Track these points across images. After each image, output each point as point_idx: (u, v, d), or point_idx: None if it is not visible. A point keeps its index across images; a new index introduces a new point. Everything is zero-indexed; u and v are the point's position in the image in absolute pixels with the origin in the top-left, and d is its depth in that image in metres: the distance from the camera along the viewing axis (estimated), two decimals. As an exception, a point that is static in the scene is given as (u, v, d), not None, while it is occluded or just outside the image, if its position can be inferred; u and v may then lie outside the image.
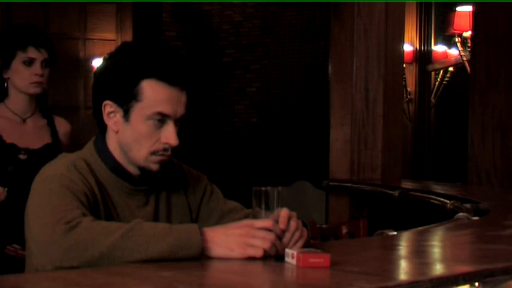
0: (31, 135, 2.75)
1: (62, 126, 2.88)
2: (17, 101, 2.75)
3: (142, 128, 1.72)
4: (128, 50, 1.77)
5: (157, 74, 1.70)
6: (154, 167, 1.74)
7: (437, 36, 6.07)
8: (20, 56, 2.70)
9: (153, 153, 1.73)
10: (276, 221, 1.59)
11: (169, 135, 1.72)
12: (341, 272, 1.49)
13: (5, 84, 2.74)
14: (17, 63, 2.71)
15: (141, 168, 1.76)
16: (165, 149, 1.74)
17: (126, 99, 1.71)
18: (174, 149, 1.76)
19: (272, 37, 9.38)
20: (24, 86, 2.71)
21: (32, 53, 2.71)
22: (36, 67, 2.71)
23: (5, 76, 2.73)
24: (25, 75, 2.71)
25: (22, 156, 2.67)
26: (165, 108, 1.71)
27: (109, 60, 1.76)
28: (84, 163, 1.74)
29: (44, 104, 2.87)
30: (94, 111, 1.79)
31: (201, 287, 1.40)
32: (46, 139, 2.77)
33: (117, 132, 1.75)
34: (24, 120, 2.76)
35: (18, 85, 2.72)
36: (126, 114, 1.72)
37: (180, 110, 1.74)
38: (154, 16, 7.57)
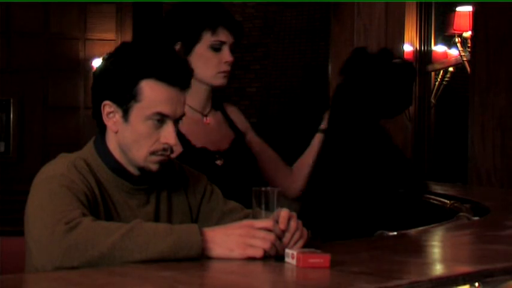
0: (216, 133, 2.31)
1: (234, 113, 2.43)
2: (197, 94, 2.25)
3: (141, 128, 1.72)
4: (127, 50, 1.77)
5: (156, 74, 1.70)
6: (154, 167, 1.74)
7: (437, 37, 6.07)
8: (207, 39, 2.22)
9: (153, 153, 1.73)
10: (276, 221, 1.59)
11: (168, 135, 1.72)
12: (341, 272, 1.49)
13: None
14: (202, 48, 2.22)
15: (141, 169, 1.76)
16: (164, 149, 1.74)
17: (126, 100, 1.71)
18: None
19: (272, 37, 9.38)
20: (211, 76, 2.24)
21: (222, 35, 2.22)
22: (226, 53, 2.23)
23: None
24: (213, 62, 2.23)
25: (219, 162, 2.24)
26: (165, 108, 1.71)
27: (108, 61, 1.76)
28: (84, 163, 1.74)
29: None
30: (93, 112, 1.79)
31: (201, 287, 1.40)
32: (230, 134, 2.34)
33: (116, 132, 1.75)
34: (205, 116, 2.32)
35: (203, 75, 2.23)
36: (126, 115, 1.72)
37: (180, 110, 1.74)
38: (154, 16, 7.57)
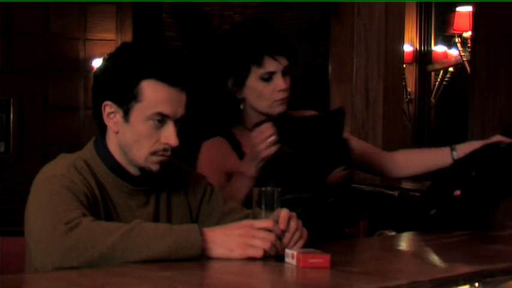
0: None
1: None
2: (255, 123, 2.19)
3: (142, 129, 1.72)
4: (128, 50, 1.77)
5: (157, 75, 1.70)
6: (155, 167, 1.74)
7: (437, 37, 6.07)
8: (256, 72, 2.16)
9: (153, 153, 1.73)
10: (276, 222, 1.60)
11: (169, 135, 1.72)
12: (341, 272, 1.49)
13: (240, 106, 2.23)
14: (253, 81, 2.17)
15: (141, 169, 1.76)
16: (165, 149, 1.74)
17: (126, 100, 1.71)
18: (175, 149, 1.76)
19: (272, 37, 9.38)
20: (267, 106, 2.19)
21: (269, 65, 2.15)
22: (277, 81, 2.16)
23: (240, 96, 2.21)
24: (266, 94, 2.17)
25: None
26: (165, 109, 1.71)
27: (109, 61, 1.76)
28: (84, 163, 1.74)
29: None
30: (94, 112, 1.79)
31: (201, 287, 1.40)
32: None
33: (117, 132, 1.75)
34: None
35: (259, 106, 2.19)
36: (126, 115, 1.72)
37: (180, 111, 1.74)
38: (154, 16, 7.57)
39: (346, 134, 2.33)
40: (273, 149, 2.04)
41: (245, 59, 2.17)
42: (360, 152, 2.39)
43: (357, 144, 2.39)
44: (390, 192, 3.88)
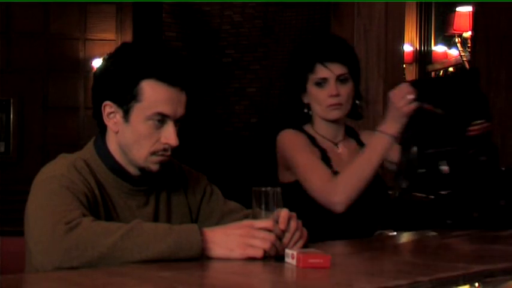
0: (347, 162, 2.36)
1: (370, 138, 2.41)
2: (322, 127, 2.40)
3: (142, 129, 1.72)
4: (128, 50, 1.77)
5: (157, 75, 1.70)
6: (154, 167, 1.74)
7: (437, 37, 6.07)
8: (311, 78, 2.34)
9: (153, 153, 1.73)
10: (276, 222, 1.60)
11: (169, 135, 1.72)
12: (341, 272, 1.49)
13: (305, 110, 2.40)
14: (310, 86, 2.35)
15: (141, 169, 1.76)
16: (165, 149, 1.74)
17: (126, 100, 1.71)
18: (174, 149, 1.76)
19: (272, 37, 9.38)
20: (321, 111, 2.36)
21: (321, 72, 2.33)
22: (329, 87, 2.32)
23: (305, 101, 2.40)
24: (319, 98, 2.34)
25: None
26: (165, 109, 1.71)
27: (109, 61, 1.76)
28: (84, 163, 1.74)
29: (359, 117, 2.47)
30: (94, 112, 1.79)
31: (201, 287, 1.40)
32: None
33: (117, 132, 1.75)
34: (336, 145, 2.43)
35: (316, 111, 2.37)
36: (126, 115, 1.72)
37: (180, 110, 1.74)
38: (154, 16, 7.57)
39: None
40: (413, 105, 2.14)
41: (301, 66, 2.37)
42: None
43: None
44: (390, 192, 3.88)
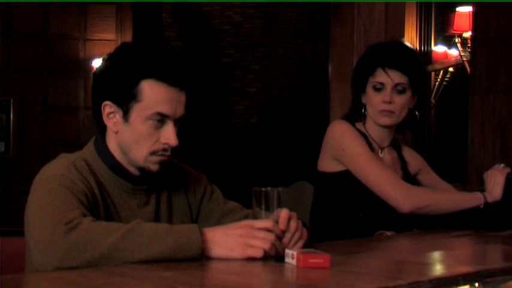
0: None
1: (409, 154, 2.59)
2: (372, 128, 2.47)
3: (141, 129, 1.72)
4: (128, 50, 1.77)
5: (156, 74, 1.70)
6: (154, 167, 1.74)
7: (437, 37, 6.06)
8: (370, 81, 2.41)
9: (153, 153, 1.73)
10: (276, 222, 1.60)
11: (168, 135, 1.72)
12: (341, 272, 1.49)
13: (364, 111, 2.47)
14: (368, 89, 2.43)
15: (141, 169, 1.76)
16: (164, 149, 1.74)
17: (126, 100, 1.71)
18: (174, 149, 1.76)
19: (272, 38, 9.38)
20: (374, 114, 2.43)
21: (380, 77, 2.39)
22: (385, 93, 2.38)
23: (364, 101, 2.46)
24: (374, 102, 2.41)
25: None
26: (165, 109, 1.71)
27: (108, 61, 1.76)
28: (84, 163, 1.74)
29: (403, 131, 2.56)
30: (94, 112, 1.79)
31: (201, 287, 1.40)
32: (400, 175, 2.48)
33: (116, 132, 1.75)
34: (381, 150, 2.49)
35: (370, 112, 2.44)
36: (126, 115, 1.72)
37: (180, 111, 1.73)
38: (154, 16, 7.57)
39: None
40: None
41: (365, 67, 2.44)
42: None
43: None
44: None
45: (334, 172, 2.41)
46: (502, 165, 2.42)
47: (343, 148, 2.38)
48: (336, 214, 2.38)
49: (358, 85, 2.47)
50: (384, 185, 2.30)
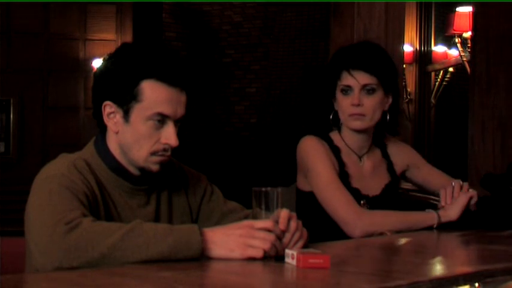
0: (369, 177, 2.39)
1: (395, 151, 2.46)
2: (348, 136, 2.37)
3: (142, 129, 1.72)
4: (128, 50, 1.77)
5: (157, 75, 1.70)
6: (154, 167, 1.74)
7: (437, 37, 6.06)
8: (339, 84, 2.32)
9: (153, 153, 1.73)
10: (276, 222, 1.60)
11: (169, 135, 1.72)
12: (341, 272, 1.49)
13: (331, 117, 2.37)
14: (337, 92, 2.33)
15: (141, 169, 1.76)
16: (164, 150, 1.74)
17: (126, 100, 1.71)
18: (174, 149, 1.76)
19: (272, 38, 9.38)
20: (344, 119, 2.33)
21: (346, 80, 2.30)
22: (352, 96, 2.28)
23: (336, 108, 2.36)
24: (342, 106, 2.32)
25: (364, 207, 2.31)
26: (165, 109, 1.71)
27: (109, 61, 1.76)
28: (85, 163, 1.74)
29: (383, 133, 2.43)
30: (94, 112, 1.79)
31: (201, 287, 1.40)
32: (384, 179, 2.41)
33: (117, 132, 1.75)
34: (360, 159, 2.39)
35: (340, 117, 2.35)
36: (126, 115, 1.72)
37: (180, 111, 1.74)
38: (154, 16, 7.57)
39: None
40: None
41: (331, 71, 2.34)
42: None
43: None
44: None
45: (306, 191, 2.36)
46: (462, 183, 2.31)
47: (308, 169, 2.32)
48: (320, 227, 2.30)
49: (328, 91, 2.37)
50: (337, 209, 2.22)
